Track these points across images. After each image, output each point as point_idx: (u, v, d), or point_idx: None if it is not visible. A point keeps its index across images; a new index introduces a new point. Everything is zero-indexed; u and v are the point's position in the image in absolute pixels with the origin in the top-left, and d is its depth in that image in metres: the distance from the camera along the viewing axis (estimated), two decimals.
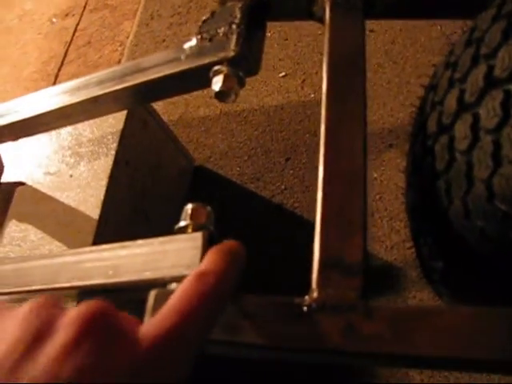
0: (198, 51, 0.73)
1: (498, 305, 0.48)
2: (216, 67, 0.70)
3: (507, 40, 0.55)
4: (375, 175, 1.31)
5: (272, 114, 1.53)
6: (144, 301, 0.51)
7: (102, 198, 1.04)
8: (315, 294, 0.51)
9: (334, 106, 0.63)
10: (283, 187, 1.38)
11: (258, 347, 0.51)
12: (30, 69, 2.12)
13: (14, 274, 0.67)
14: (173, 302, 0.40)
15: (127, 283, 0.55)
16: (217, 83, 0.69)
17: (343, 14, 0.70)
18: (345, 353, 0.49)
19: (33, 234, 1.06)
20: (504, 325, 0.47)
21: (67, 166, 1.13)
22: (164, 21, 1.93)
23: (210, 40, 0.72)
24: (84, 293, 0.63)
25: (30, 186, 1.14)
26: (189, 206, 0.56)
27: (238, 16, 0.72)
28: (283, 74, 1.61)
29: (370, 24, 1.59)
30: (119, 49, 1.97)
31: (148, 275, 0.54)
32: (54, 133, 1.17)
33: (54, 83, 1.99)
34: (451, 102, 0.61)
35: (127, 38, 1.98)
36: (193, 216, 0.55)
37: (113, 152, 1.10)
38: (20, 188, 1.14)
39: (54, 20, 2.24)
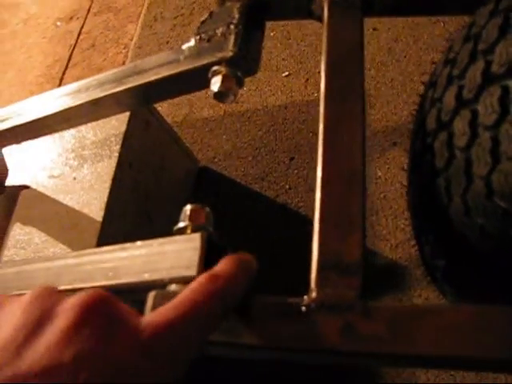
0: (196, 52, 0.73)
1: (500, 302, 0.48)
2: (214, 68, 0.70)
3: (505, 35, 0.55)
4: (379, 173, 1.30)
5: (276, 114, 1.53)
6: (143, 302, 0.51)
7: (105, 200, 1.04)
8: (314, 294, 0.51)
9: (333, 105, 0.63)
10: (287, 187, 1.38)
11: (257, 348, 0.51)
12: (35, 72, 2.13)
13: (16, 277, 0.67)
14: (180, 297, 0.41)
15: (127, 285, 0.55)
16: (215, 84, 0.69)
17: (341, 12, 0.70)
18: (343, 352, 0.49)
19: (37, 236, 1.06)
20: (505, 323, 0.46)
21: (71, 169, 1.13)
22: (167, 22, 1.93)
23: (209, 41, 0.72)
24: None
25: (35, 189, 1.14)
26: (188, 207, 0.56)
27: (236, 16, 0.72)
28: (286, 73, 1.61)
29: (372, 22, 1.59)
30: (123, 51, 1.98)
31: (147, 277, 0.54)
32: (57, 136, 1.18)
33: (59, 86, 2.00)
34: (450, 99, 0.61)
35: (131, 40, 1.99)
36: (192, 217, 0.55)
37: (116, 154, 1.10)
38: (24, 191, 1.15)
39: (58, 23, 2.25)
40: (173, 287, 0.52)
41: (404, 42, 1.52)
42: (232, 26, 0.71)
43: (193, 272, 0.50)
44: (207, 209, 0.56)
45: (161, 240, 0.56)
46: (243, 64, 0.71)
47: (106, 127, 1.14)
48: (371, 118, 1.38)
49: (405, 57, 1.50)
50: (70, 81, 2.00)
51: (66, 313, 0.36)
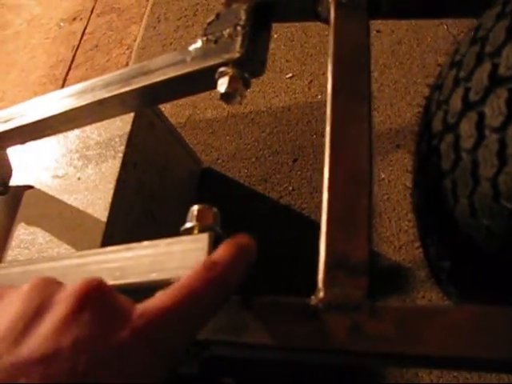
0: (203, 53, 0.73)
1: (506, 303, 0.48)
2: (221, 69, 0.70)
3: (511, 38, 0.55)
4: (383, 175, 1.30)
5: (279, 116, 1.53)
6: None
7: (110, 200, 1.05)
8: (321, 294, 0.51)
9: (340, 106, 0.63)
10: (291, 188, 1.38)
11: (265, 347, 0.51)
12: (39, 73, 2.13)
13: (21, 277, 0.67)
14: (177, 284, 0.41)
15: (133, 284, 0.55)
16: (222, 85, 0.69)
17: (348, 14, 0.70)
18: (351, 352, 0.49)
19: (41, 236, 1.06)
20: (511, 324, 0.46)
21: (75, 169, 1.13)
22: (171, 24, 1.94)
23: (216, 42, 0.72)
24: None
25: (39, 189, 1.14)
26: (195, 208, 0.56)
27: (243, 18, 0.72)
28: (290, 75, 1.61)
29: (376, 24, 1.60)
30: (127, 52, 1.98)
31: (154, 276, 0.54)
32: (61, 136, 1.18)
33: (62, 87, 2.00)
34: (456, 101, 0.61)
35: (134, 41, 1.99)
36: (199, 217, 0.55)
37: (120, 154, 1.10)
38: (28, 191, 1.15)
39: (61, 24, 2.26)
40: None
41: (407, 44, 1.53)
42: (239, 28, 0.71)
43: None
44: (214, 209, 0.56)
45: (168, 240, 0.56)
46: (250, 65, 0.71)
47: (111, 128, 1.14)
48: (374, 120, 1.38)
49: (408, 59, 1.50)
50: (73, 81, 2.01)
51: (64, 301, 0.37)
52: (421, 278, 1.15)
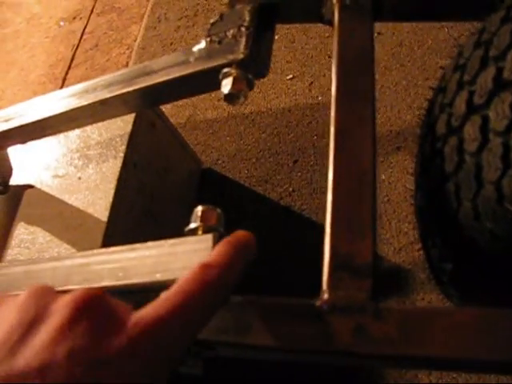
0: (207, 54, 0.73)
1: (507, 305, 0.48)
2: (225, 69, 0.70)
3: None
4: (383, 177, 1.31)
5: (280, 117, 1.53)
6: None
7: (110, 200, 1.05)
8: (326, 296, 0.52)
9: (344, 108, 0.63)
10: (291, 189, 1.38)
11: (269, 349, 0.51)
12: (38, 72, 2.13)
13: (24, 276, 0.67)
14: (173, 288, 0.41)
15: (137, 285, 0.55)
16: (226, 85, 0.69)
17: (352, 16, 0.70)
18: (355, 354, 0.49)
19: (41, 236, 1.06)
20: None
21: (76, 169, 1.13)
22: (171, 24, 1.94)
23: (219, 42, 0.72)
24: None
25: (39, 189, 1.14)
26: (199, 208, 0.56)
27: (247, 19, 0.72)
28: (291, 76, 1.61)
29: (377, 27, 1.59)
30: (127, 52, 1.98)
31: (158, 277, 0.54)
32: (62, 135, 1.18)
33: (62, 86, 2.00)
34: (460, 104, 0.61)
35: (134, 41, 1.99)
36: (203, 218, 0.55)
37: (121, 154, 1.10)
38: (28, 191, 1.15)
39: (61, 23, 2.26)
40: None
41: (408, 46, 1.53)
42: (243, 29, 0.71)
43: None
44: (218, 210, 0.56)
45: (172, 241, 0.56)
46: (254, 66, 0.71)
47: (112, 127, 1.14)
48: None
49: (409, 61, 1.50)
50: (72, 81, 2.00)
51: (59, 311, 0.36)
52: (420, 279, 1.16)
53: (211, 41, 0.73)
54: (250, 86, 0.71)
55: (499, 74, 0.56)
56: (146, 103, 0.86)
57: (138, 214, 1.15)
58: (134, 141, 1.13)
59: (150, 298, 0.52)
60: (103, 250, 0.61)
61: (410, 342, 0.48)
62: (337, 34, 0.69)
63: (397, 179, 1.30)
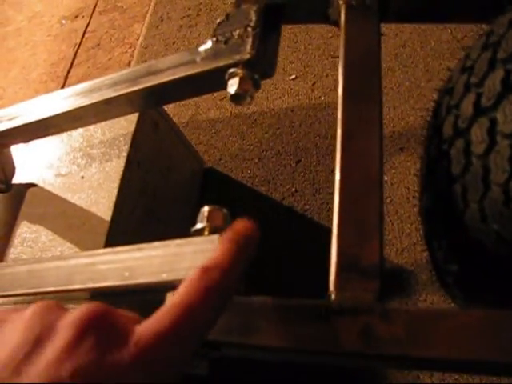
0: (213, 54, 0.73)
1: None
2: (231, 70, 0.70)
3: None
4: (386, 178, 1.31)
5: (282, 117, 1.53)
6: (160, 303, 0.51)
7: (114, 199, 1.04)
8: (333, 297, 0.52)
9: (350, 109, 0.63)
10: (294, 190, 1.38)
11: (275, 349, 0.51)
12: (40, 70, 2.13)
13: (28, 276, 0.67)
14: (174, 298, 0.40)
15: (144, 285, 0.55)
16: (232, 86, 0.69)
17: (358, 17, 0.70)
18: (362, 355, 0.49)
19: (44, 235, 1.06)
20: None
21: (79, 168, 1.13)
22: (174, 23, 1.93)
23: (226, 42, 0.72)
24: (98, 295, 0.63)
25: (42, 188, 1.14)
26: (205, 209, 0.55)
27: (254, 19, 0.72)
28: (293, 76, 1.61)
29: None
30: (129, 51, 1.98)
31: (165, 277, 0.53)
32: (65, 134, 1.18)
33: (64, 85, 2.00)
34: (468, 106, 0.61)
35: (137, 40, 1.99)
36: (209, 218, 0.55)
37: (124, 154, 1.10)
38: (31, 189, 1.15)
39: (63, 22, 2.26)
40: None
41: (411, 47, 1.53)
42: (249, 29, 0.71)
43: None
44: (225, 210, 0.56)
45: (178, 241, 0.56)
46: (260, 66, 0.71)
47: (115, 127, 1.14)
48: None
49: (412, 62, 1.50)
50: (74, 80, 2.00)
51: (65, 329, 0.36)
52: (423, 280, 1.15)
53: (217, 41, 0.73)
54: (257, 87, 0.71)
55: (507, 77, 0.56)
56: (151, 103, 0.86)
57: (140, 214, 1.15)
58: (138, 140, 1.13)
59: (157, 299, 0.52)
60: (109, 249, 0.61)
61: (417, 343, 0.48)
62: (343, 34, 0.69)
63: (399, 180, 1.30)
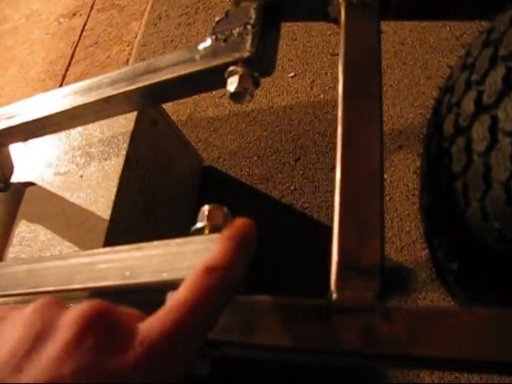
0: (212, 52, 0.72)
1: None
2: (231, 68, 0.70)
3: None
4: (385, 176, 1.30)
5: (281, 115, 1.53)
6: (160, 302, 0.51)
7: (112, 198, 1.04)
8: (334, 296, 0.51)
9: (351, 107, 0.63)
10: (293, 188, 1.38)
11: (277, 349, 0.51)
12: (38, 69, 2.13)
13: (27, 275, 0.67)
14: (177, 297, 0.40)
15: (144, 284, 0.55)
16: (232, 84, 0.69)
17: (359, 14, 0.70)
18: (364, 354, 0.49)
19: (43, 234, 1.06)
20: None
21: (77, 167, 1.13)
22: (172, 21, 1.93)
23: (225, 40, 0.72)
24: (98, 294, 0.63)
25: (40, 187, 1.14)
26: (205, 207, 0.55)
27: (253, 16, 0.72)
28: (292, 74, 1.61)
29: None
30: (127, 49, 1.97)
31: (165, 276, 0.53)
32: (63, 133, 1.18)
33: (62, 83, 2.00)
34: (469, 104, 0.61)
35: (135, 38, 1.98)
36: (210, 217, 0.55)
37: (123, 152, 1.10)
38: (30, 188, 1.15)
39: (61, 20, 2.25)
40: None
41: (410, 45, 1.53)
42: (249, 27, 0.71)
43: None
44: (225, 209, 0.56)
45: (178, 240, 0.56)
46: (260, 64, 0.71)
47: (114, 125, 1.14)
48: None
49: (411, 60, 1.50)
50: (72, 78, 2.00)
51: (66, 326, 0.36)
52: (423, 278, 1.15)
53: (217, 39, 0.73)
54: (256, 85, 0.71)
55: (509, 74, 0.56)
56: (151, 101, 0.85)
57: (139, 212, 1.15)
58: (136, 138, 1.13)
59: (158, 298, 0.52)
60: (108, 248, 0.61)
61: (419, 342, 0.48)
62: (343, 32, 0.69)
63: (399, 178, 1.30)
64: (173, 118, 1.35)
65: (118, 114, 0.91)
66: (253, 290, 0.51)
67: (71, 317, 0.37)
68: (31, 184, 1.15)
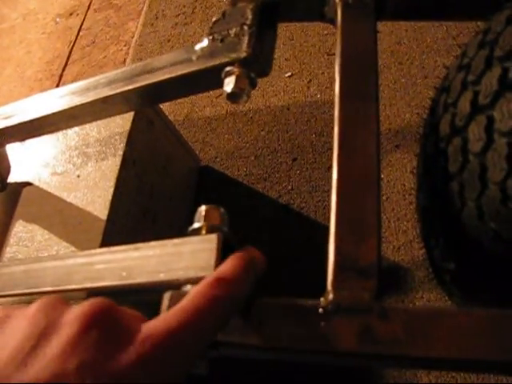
0: (209, 52, 0.73)
1: (509, 306, 0.48)
2: (228, 68, 0.70)
3: None
4: (382, 176, 1.30)
5: (278, 114, 1.53)
6: (157, 302, 0.51)
7: (109, 198, 1.04)
8: (331, 296, 0.51)
9: (347, 107, 0.63)
10: (290, 187, 1.38)
11: (274, 349, 0.51)
12: (34, 68, 2.12)
13: (25, 276, 0.67)
14: (184, 302, 0.41)
15: (141, 285, 0.55)
16: (229, 84, 0.69)
17: (355, 15, 0.70)
18: (361, 355, 0.49)
19: (40, 234, 1.06)
20: None
21: (74, 167, 1.13)
22: (169, 21, 1.93)
23: (222, 41, 0.72)
24: (96, 295, 0.63)
25: (37, 187, 1.14)
26: (202, 208, 0.55)
27: (250, 17, 0.72)
28: (289, 74, 1.61)
29: None
30: (124, 48, 1.97)
31: (162, 277, 0.53)
32: (60, 133, 1.17)
33: (59, 83, 2.00)
34: (465, 104, 0.61)
35: (132, 37, 1.98)
36: (207, 217, 0.55)
37: (120, 152, 1.10)
38: (27, 188, 1.14)
39: (58, 19, 2.25)
40: (188, 288, 0.52)
41: (407, 45, 1.53)
42: (246, 27, 0.71)
43: (209, 273, 0.50)
44: (222, 209, 0.56)
45: (175, 240, 0.56)
46: (257, 65, 0.71)
47: (111, 125, 1.14)
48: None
49: (407, 59, 1.50)
50: (69, 78, 2.00)
51: (70, 323, 0.37)
52: (419, 278, 1.16)
53: (213, 39, 0.73)
54: (253, 85, 0.71)
55: (505, 75, 0.56)
56: (148, 101, 0.86)
57: (137, 212, 1.14)
58: (133, 138, 1.13)
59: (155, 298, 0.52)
60: (106, 249, 0.61)
61: (416, 342, 0.48)
62: (340, 32, 0.69)
63: (395, 178, 1.30)
64: (170, 117, 1.34)
65: (115, 114, 0.91)
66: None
67: (75, 314, 0.37)
68: (28, 184, 1.15)
